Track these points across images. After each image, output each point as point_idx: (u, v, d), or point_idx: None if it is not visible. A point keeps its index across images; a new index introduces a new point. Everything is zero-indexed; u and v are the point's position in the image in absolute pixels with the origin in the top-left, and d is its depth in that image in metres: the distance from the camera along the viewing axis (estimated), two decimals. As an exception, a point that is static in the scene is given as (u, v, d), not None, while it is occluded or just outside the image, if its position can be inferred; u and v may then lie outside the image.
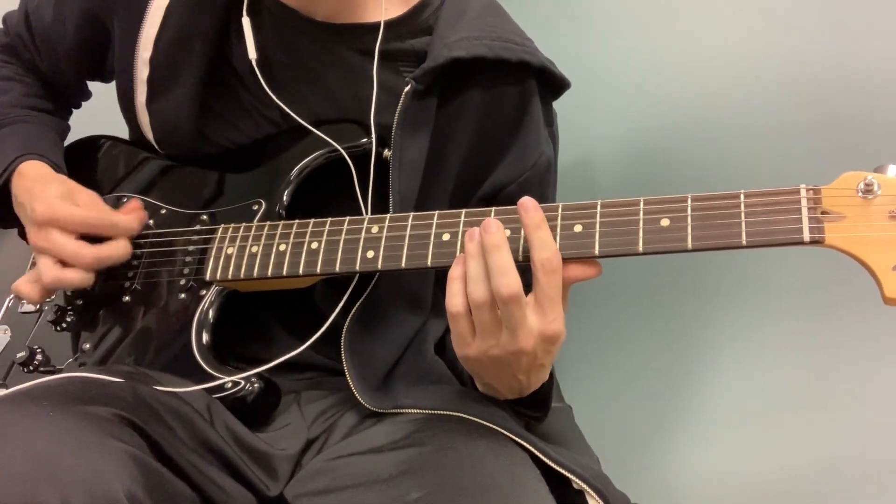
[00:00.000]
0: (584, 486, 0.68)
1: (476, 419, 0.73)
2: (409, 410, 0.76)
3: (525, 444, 0.71)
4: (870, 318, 0.98)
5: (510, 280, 0.64)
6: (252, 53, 0.83)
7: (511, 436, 0.71)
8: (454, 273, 0.68)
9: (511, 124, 0.86)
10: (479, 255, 0.66)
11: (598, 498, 0.68)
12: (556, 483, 0.69)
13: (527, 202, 0.66)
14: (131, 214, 0.83)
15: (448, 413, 0.74)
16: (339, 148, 0.82)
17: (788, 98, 1.02)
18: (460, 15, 0.84)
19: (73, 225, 0.78)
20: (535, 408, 0.80)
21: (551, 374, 0.79)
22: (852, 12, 0.96)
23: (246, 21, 0.83)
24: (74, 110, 1.03)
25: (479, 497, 0.62)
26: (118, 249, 0.80)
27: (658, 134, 1.14)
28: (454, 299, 0.67)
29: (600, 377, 1.24)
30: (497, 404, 0.77)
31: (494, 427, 0.72)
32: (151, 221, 0.86)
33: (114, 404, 0.64)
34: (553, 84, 0.89)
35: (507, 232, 0.69)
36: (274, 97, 0.83)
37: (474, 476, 0.65)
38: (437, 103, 0.82)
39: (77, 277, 0.78)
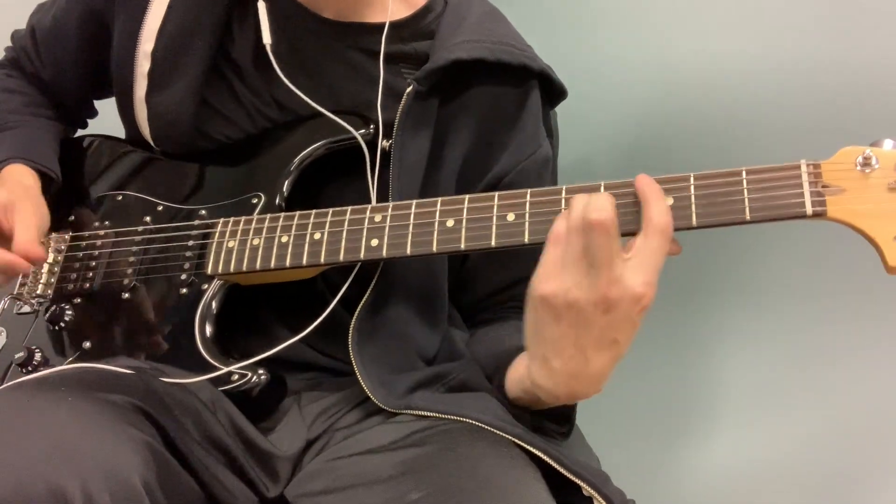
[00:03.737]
0: (595, 494, 0.67)
1: (482, 424, 0.71)
2: (420, 412, 0.74)
3: (537, 451, 0.69)
4: (869, 316, 0.99)
5: (603, 206, 0.61)
6: (266, 38, 0.83)
7: (520, 442, 0.70)
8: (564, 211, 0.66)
9: (510, 121, 0.87)
10: (584, 197, 0.65)
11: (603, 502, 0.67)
12: (555, 483, 0.68)
13: (642, 177, 0.66)
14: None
15: (453, 417, 0.73)
16: (356, 134, 0.82)
17: (785, 92, 1.03)
18: (462, 20, 0.86)
19: None
20: (560, 421, 0.78)
21: None
22: (847, 3, 0.98)
23: (261, 5, 0.84)
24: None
25: (478, 497, 0.62)
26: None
27: (657, 132, 1.15)
28: (558, 224, 0.65)
29: (599, 377, 1.24)
30: (510, 413, 0.75)
31: (498, 432, 0.71)
32: (148, 218, 0.86)
33: (129, 393, 0.64)
34: (552, 91, 0.90)
35: (512, 216, 0.70)
36: (285, 79, 0.83)
37: (474, 476, 0.65)
38: (438, 105, 0.83)
39: None
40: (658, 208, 0.64)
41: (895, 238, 0.60)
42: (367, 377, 0.77)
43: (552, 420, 0.76)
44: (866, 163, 0.62)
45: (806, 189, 0.63)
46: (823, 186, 0.63)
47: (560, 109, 0.96)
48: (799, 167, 0.64)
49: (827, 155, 0.65)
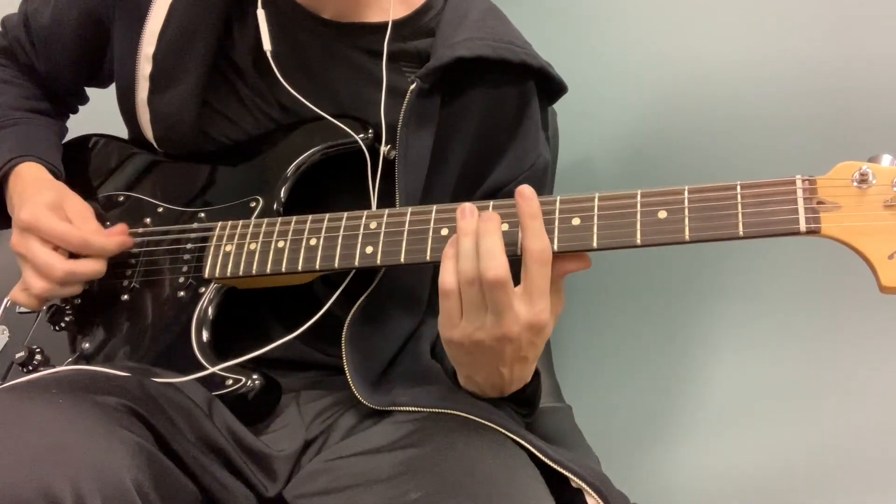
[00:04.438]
0: (583, 485, 0.68)
1: (474, 417, 0.73)
2: (406, 408, 0.76)
3: (523, 442, 0.71)
4: (865, 313, 0.99)
5: (497, 263, 0.64)
6: (267, 45, 0.84)
7: (509, 434, 0.71)
8: (448, 252, 0.68)
9: (510, 126, 0.87)
10: (472, 234, 0.67)
11: (596, 497, 0.68)
12: (555, 483, 0.69)
13: (525, 190, 0.67)
14: (112, 238, 0.82)
15: (446, 412, 0.74)
16: (357, 139, 0.82)
17: (785, 95, 1.02)
18: (462, 18, 0.85)
19: (50, 237, 0.78)
20: (521, 405, 0.80)
21: (538, 375, 0.79)
22: (846, 8, 0.97)
23: (261, 13, 0.84)
24: (72, 115, 1.03)
25: (478, 497, 0.62)
26: (90, 267, 0.80)
27: (657, 133, 1.15)
28: (447, 276, 0.67)
29: (600, 377, 1.24)
30: (494, 403, 0.77)
31: (492, 425, 0.72)
32: (148, 220, 0.87)
33: (122, 395, 0.64)
34: (551, 87, 0.90)
35: (506, 226, 0.69)
36: (286, 85, 0.83)
37: (473, 476, 0.65)
38: (440, 102, 0.83)
39: (64, 291, 0.80)
40: (532, 235, 0.66)
41: (889, 257, 0.60)
42: (355, 376, 0.78)
43: (514, 403, 0.80)
44: (863, 179, 0.61)
45: (800, 205, 0.62)
46: (818, 203, 0.62)
47: (561, 109, 0.95)
48: (794, 182, 0.63)
49: (826, 159, 0.64)
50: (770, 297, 1.08)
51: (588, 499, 0.68)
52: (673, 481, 1.18)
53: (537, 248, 0.65)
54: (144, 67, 0.85)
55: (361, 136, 0.83)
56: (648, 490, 1.17)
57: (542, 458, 0.70)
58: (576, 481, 0.68)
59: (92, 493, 0.54)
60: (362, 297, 0.80)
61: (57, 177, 0.88)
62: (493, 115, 0.86)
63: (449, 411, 0.73)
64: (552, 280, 0.67)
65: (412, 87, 0.80)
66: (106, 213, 0.89)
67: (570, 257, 0.68)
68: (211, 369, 0.75)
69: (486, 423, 0.72)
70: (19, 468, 0.54)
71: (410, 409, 0.75)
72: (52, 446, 0.56)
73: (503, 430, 0.71)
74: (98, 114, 1.01)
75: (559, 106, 0.98)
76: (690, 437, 1.17)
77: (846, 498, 1.02)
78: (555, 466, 0.69)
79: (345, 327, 0.79)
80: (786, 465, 1.08)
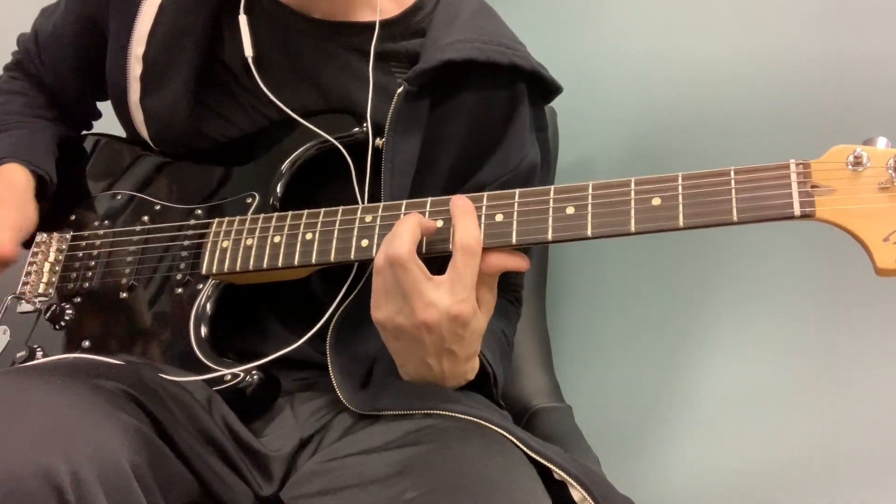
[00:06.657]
0: (566, 477, 0.67)
1: (469, 417, 0.71)
2: (387, 412, 0.74)
3: (507, 434, 0.70)
4: (866, 312, 0.98)
5: (399, 243, 0.68)
6: (248, 51, 0.84)
7: (496, 429, 0.70)
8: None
9: (499, 127, 0.87)
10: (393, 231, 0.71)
11: (580, 489, 0.67)
12: (553, 483, 0.68)
13: (455, 198, 0.72)
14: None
15: (432, 412, 0.73)
16: (329, 138, 0.82)
17: (785, 94, 1.02)
18: (453, 18, 0.85)
19: None
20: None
21: (488, 378, 0.79)
22: (841, 1, 0.97)
23: (243, 19, 0.84)
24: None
25: (474, 496, 0.62)
26: None
27: (657, 132, 1.15)
28: (378, 255, 0.71)
29: (600, 377, 1.23)
30: (477, 400, 0.77)
31: (489, 425, 0.71)
32: (146, 218, 0.87)
33: (120, 380, 0.65)
34: (544, 88, 0.89)
35: (500, 216, 0.70)
36: (268, 92, 0.84)
37: (469, 475, 0.64)
38: (429, 105, 0.83)
39: None
40: (462, 227, 0.69)
41: (884, 239, 0.59)
42: (341, 380, 0.78)
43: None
44: (857, 162, 0.61)
45: (794, 189, 0.62)
46: (813, 186, 0.62)
47: (560, 109, 0.95)
48: (788, 167, 0.63)
49: (825, 152, 0.64)
50: (770, 297, 1.08)
51: (573, 491, 0.67)
52: (673, 481, 1.17)
53: (465, 241, 0.68)
54: (135, 68, 0.85)
55: (357, 129, 0.83)
56: (648, 490, 1.16)
57: (522, 447, 0.69)
58: (559, 473, 0.67)
59: (88, 472, 0.54)
60: (347, 301, 0.80)
61: (44, 180, 0.90)
62: (482, 117, 0.85)
63: (431, 411, 0.72)
64: (483, 276, 0.70)
65: (399, 90, 0.80)
66: (105, 212, 0.90)
67: (505, 254, 0.70)
68: (221, 371, 0.75)
69: (480, 421, 0.71)
70: (17, 448, 0.54)
71: (392, 412, 0.74)
72: (50, 427, 0.57)
73: (496, 429, 0.71)
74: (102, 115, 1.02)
75: (559, 106, 0.98)
76: (691, 436, 1.16)
77: (846, 497, 1.01)
78: (535, 456, 0.68)
79: (329, 332, 0.79)
80: (786, 465, 1.07)
